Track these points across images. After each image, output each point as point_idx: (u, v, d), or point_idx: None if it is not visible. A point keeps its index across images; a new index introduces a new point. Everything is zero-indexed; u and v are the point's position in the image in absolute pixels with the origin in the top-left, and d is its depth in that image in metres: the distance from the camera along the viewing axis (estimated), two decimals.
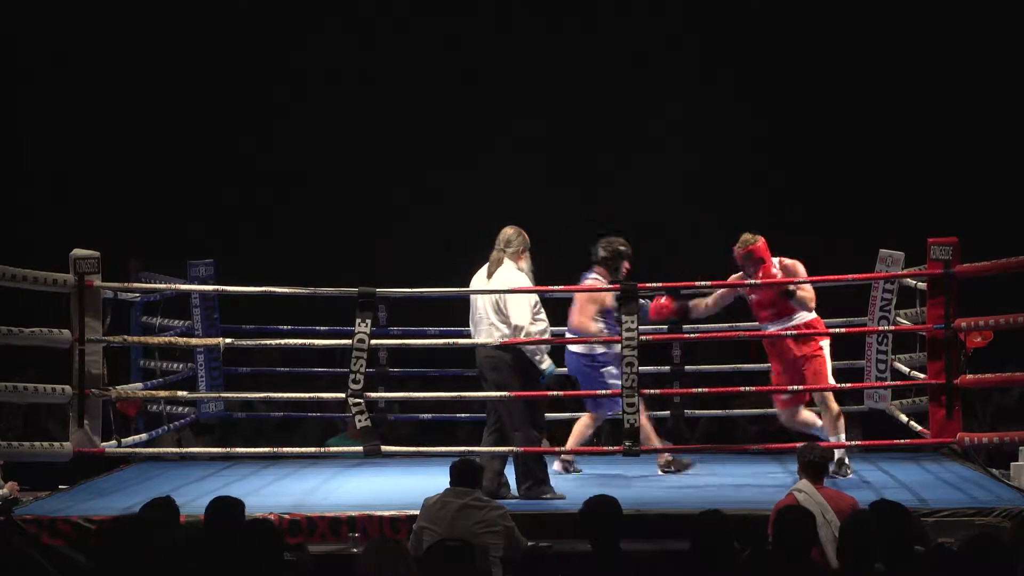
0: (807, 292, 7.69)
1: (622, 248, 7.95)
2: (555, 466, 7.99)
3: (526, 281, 7.32)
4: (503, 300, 7.24)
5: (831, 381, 7.68)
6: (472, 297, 7.36)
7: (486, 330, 7.30)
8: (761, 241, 7.73)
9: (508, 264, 7.34)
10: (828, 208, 11.69)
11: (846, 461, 7.74)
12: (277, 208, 11.74)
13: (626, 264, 7.94)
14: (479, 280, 7.39)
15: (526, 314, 7.23)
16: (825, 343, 7.70)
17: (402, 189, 11.85)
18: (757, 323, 7.90)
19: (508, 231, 7.40)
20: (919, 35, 11.85)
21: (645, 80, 11.96)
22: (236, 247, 10.24)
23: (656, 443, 7.84)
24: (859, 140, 11.84)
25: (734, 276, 7.77)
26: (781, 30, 11.93)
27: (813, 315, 7.72)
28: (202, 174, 11.92)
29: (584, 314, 7.82)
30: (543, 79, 12.00)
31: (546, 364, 7.28)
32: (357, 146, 11.97)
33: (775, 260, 7.74)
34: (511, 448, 7.17)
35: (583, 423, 8.11)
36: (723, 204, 11.81)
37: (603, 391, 7.55)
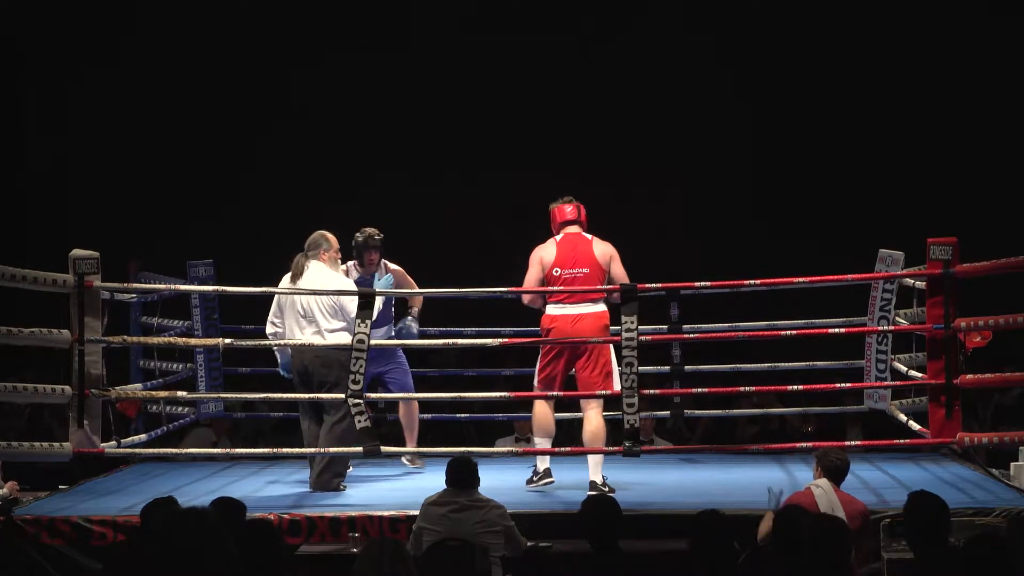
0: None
1: (359, 238, 8.04)
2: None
3: (346, 280, 7.55)
4: (339, 301, 7.38)
5: (534, 384, 7.50)
6: (290, 298, 7.42)
7: (312, 329, 7.39)
8: (557, 207, 7.52)
9: (318, 265, 7.48)
10: (827, 208, 11.70)
11: (539, 469, 7.46)
12: (276, 207, 11.75)
13: (371, 255, 7.99)
14: (285, 285, 7.48)
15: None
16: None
17: (402, 190, 11.86)
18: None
19: (315, 235, 7.58)
20: (919, 35, 11.85)
21: (642, 78, 11.98)
22: (236, 247, 10.24)
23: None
24: (859, 140, 11.85)
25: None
26: (782, 29, 11.93)
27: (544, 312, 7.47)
28: (202, 174, 11.94)
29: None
30: (541, 83, 12.04)
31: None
32: (357, 145, 11.98)
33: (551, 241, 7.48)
34: (509, 449, 7.17)
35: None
36: (723, 204, 11.83)
37: (610, 390, 7.53)
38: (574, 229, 7.51)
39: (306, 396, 7.39)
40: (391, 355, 8.11)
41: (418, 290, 7.89)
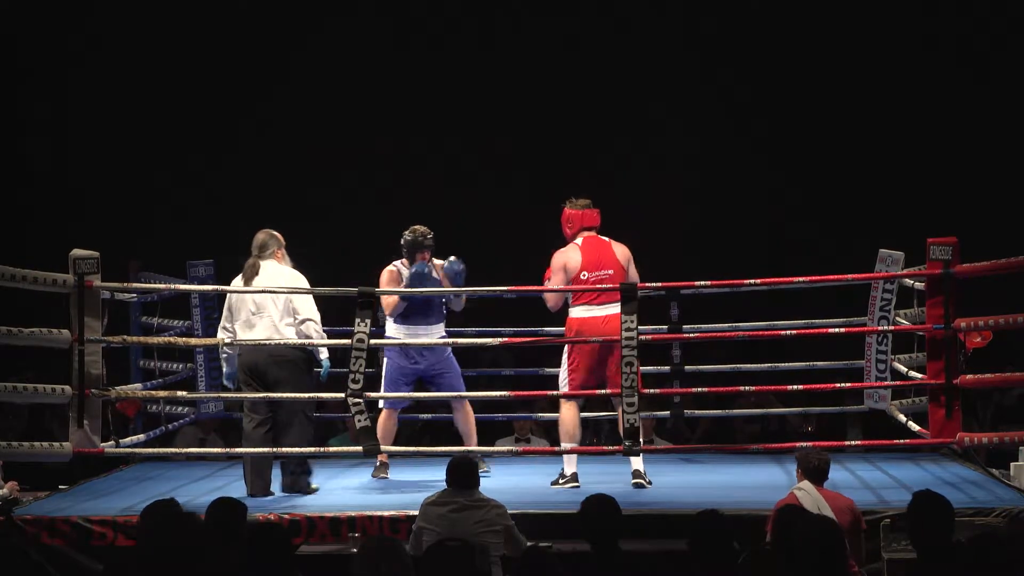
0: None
1: (408, 237, 7.93)
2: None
3: (301, 277, 7.44)
4: (291, 299, 7.34)
5: (562, 387, 7.57)
6: (241, 298, 7.38)
7: (268, 328, 7.34)
8: (579, 212, 7.58)
9: (271, 264, 7.44)
10: (828, 208, 11.70)
11: (565, 473, 7.53)
12: (274, 207, 11.74)
13: (423, 254, 7.87)
14: (238, 286, 7.44)
15: (313, 308, 7.38)
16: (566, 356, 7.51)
17: (403, 190, 11.86)
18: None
19: (260, 236, 7.52)
20: (919, 35, 11.85)
21: (642, 78, 11.97)
22: (236, 247, 10.24)
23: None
24: (859, 140, 11.85)
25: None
26: (783, 29, 11.94)
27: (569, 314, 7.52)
28: (202, 173, 11.94)
29: (385, 303, 7.93)
30: (539, 81, 12.05)
31: (325, 355, 7.48)
32: (357, 146, 11.98)
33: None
34: (509, 449, 7.16)
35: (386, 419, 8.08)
36: (723, 204, 11.83)
37: (602, 390, 7.53)
38: (592, 232, 7.58)
39: (306, 396, 7.38)
40: (441, 355, 7.98)
41: (433, 289, 7.82)
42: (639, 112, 11.95)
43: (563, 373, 7.56)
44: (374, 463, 8.10)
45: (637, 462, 7.40)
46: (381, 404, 8.02)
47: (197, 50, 11.94)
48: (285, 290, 7.31)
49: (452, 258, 7.91)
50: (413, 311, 7.93)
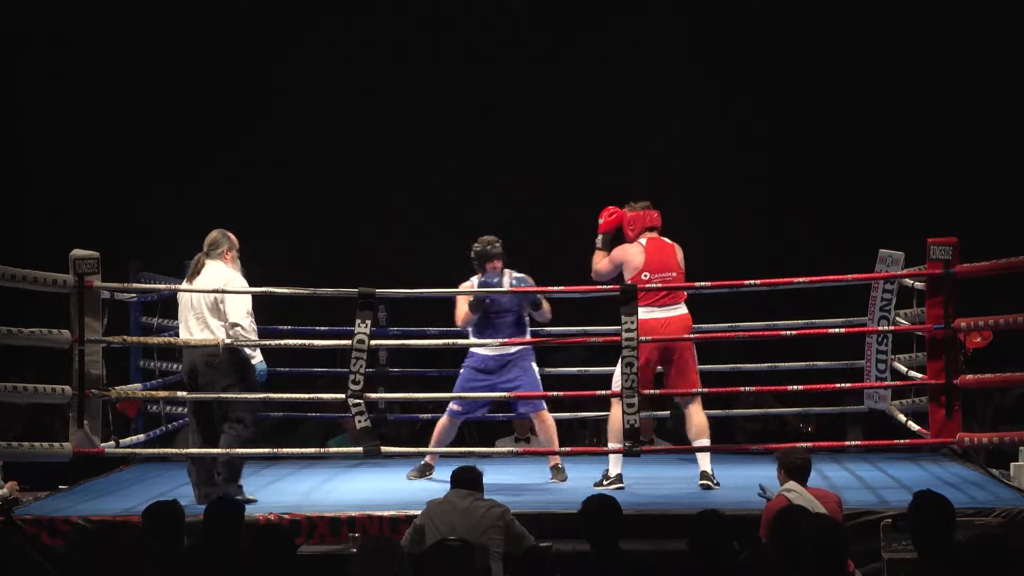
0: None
1: (477, 248, 7.87)
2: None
3: (240, 279, 7.31)
4: (221, 298, 7.23)
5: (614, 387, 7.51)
6: (183, 297, 7.32)
7: (199, 328, 7.26)
8: (640, 213, 7.63)
9: (216, 264, 7.32)
10: (828, 208, 11.70)
11: (610, 474, 7.49)
12: (276, 207, 11.76)
13: (494, 263, 7.81)
14: (183, 284, 7.38)
15: (243, 311, 7.23)
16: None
17: (402, 190, 11.86)
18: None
19: (213, 234, 7.41)
20: (919, 35, 11.86)
21: (643, 79, 11.98)
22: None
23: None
24: (859, 140, 11.85)
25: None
26: (781, 28, 11.94)
27: None
28: (202, 173, 11.94)
29: (457, 315, 7.87)
30: (540, 82, 12.05)
31: (257, 360, 7.33)
32: (358, 147, 11.98)
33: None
34: (509, 450, 7.15)
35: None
36: (724, 204, 11.83)
37: (605, 391, 7.53)
38: (655, 234, 7.62)
39: (306, 396, 7.37)
40: (521, 365, 7.82)
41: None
42: (638, 111, 11.95)
43: (617, 373, 7.42)
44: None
45: (705, 463, 7.46)
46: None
47: (197, 50, 11.94)
48: (285, 292, 7.30)
49: (519, 275, 7.83)
50: (486, 326, 7.79)
